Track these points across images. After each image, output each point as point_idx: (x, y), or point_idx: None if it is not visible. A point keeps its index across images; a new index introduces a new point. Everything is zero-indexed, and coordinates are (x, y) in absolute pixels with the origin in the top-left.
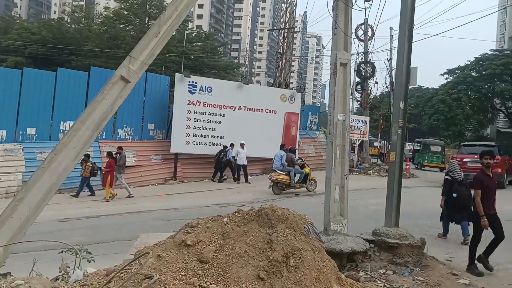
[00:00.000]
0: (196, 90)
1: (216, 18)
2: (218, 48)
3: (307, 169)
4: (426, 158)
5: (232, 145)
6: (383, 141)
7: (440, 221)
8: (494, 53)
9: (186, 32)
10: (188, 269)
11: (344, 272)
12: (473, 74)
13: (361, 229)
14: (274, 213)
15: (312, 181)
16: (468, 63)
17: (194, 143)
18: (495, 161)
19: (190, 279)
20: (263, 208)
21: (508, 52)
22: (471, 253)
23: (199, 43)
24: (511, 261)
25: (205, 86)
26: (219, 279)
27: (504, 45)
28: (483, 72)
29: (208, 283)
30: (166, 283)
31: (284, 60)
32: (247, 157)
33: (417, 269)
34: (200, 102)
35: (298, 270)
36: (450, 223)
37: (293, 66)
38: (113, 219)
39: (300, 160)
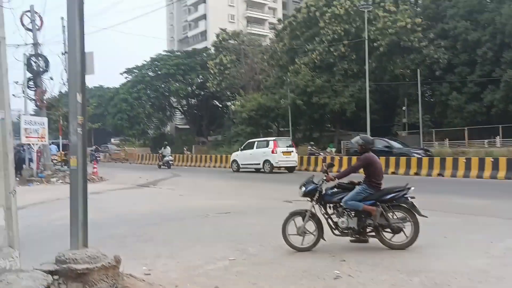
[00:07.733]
0: None
1: None
2: None
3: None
4: None
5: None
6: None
7: None
8: (167, 54)
9: None
10: None
11: None
12: (150, 73)
13: (46, 253)
14: None
15: None
16: (145, 62)
17: None
18: None
19: None
20: None
21: (179, 53)
22: None
23: None
24: None
25: None
26: None
27: (175, 47)
28: (159, 72)
29: None
30: None
31: None
32: None
33: None
34: None
35: None
36: None
37: None
38: None
39: None
